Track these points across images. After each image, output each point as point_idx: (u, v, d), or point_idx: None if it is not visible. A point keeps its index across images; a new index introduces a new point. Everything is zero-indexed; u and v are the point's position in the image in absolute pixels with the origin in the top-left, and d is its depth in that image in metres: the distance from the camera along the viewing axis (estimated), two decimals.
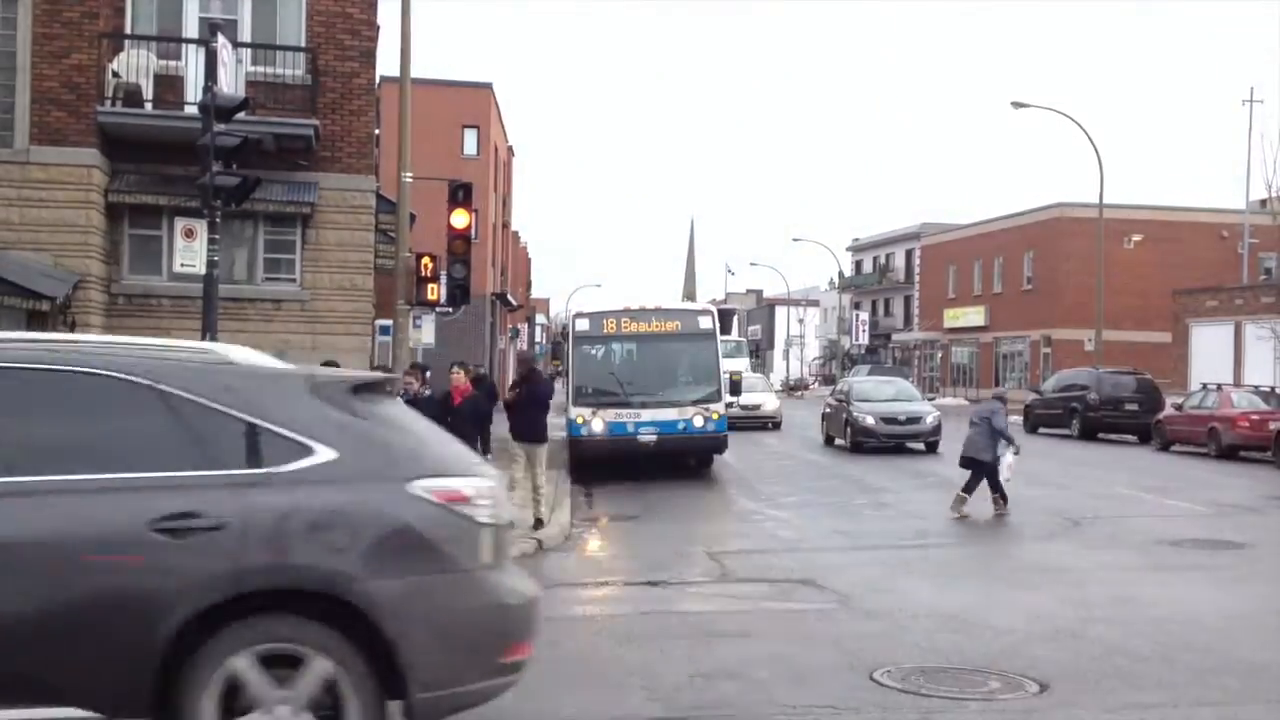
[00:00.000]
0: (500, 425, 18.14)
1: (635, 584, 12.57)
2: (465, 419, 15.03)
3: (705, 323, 23.46)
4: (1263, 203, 45.50)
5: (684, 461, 23.32)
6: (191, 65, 18.86)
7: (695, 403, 22.41)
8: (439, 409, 14.57)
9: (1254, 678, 8.57)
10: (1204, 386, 32.08)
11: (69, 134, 18.76)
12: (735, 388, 24.32)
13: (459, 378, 15.51)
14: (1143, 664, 8.82)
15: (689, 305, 29.97)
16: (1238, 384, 36.58)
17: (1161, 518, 17.58)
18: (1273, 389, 33.02)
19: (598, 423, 22.08)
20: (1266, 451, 26.29)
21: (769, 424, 37.09)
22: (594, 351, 23.71)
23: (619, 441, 22.07)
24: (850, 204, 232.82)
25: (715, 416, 22.49)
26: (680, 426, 22.13)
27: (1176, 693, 8.18)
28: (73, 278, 18.41)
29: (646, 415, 22.11)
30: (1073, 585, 12.19)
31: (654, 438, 21.97)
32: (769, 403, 38.18)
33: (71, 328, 18.45)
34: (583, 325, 23.34)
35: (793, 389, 77.43)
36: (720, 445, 22.99)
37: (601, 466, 22.01)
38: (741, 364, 42.95)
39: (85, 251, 18.77)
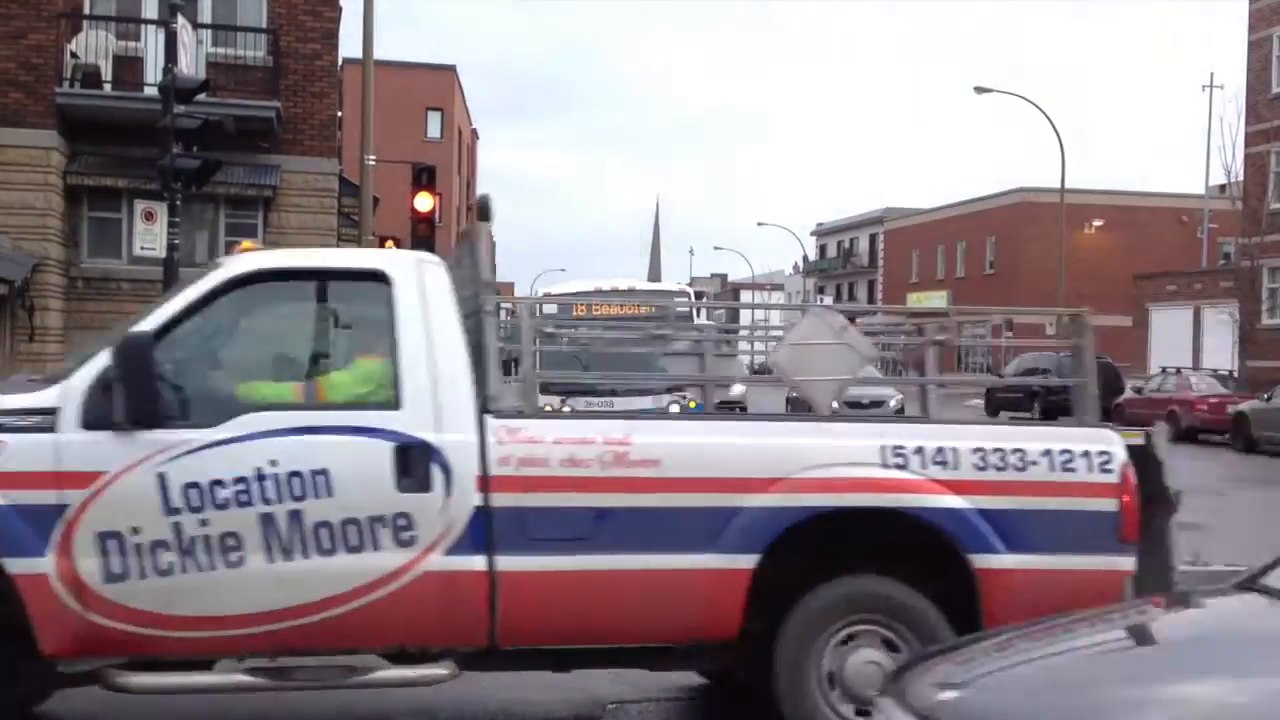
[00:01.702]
0: None
1: None
2: None
3: (682, 305, 22.39)
4: (1222, 188, 45.99)
5: None
6: (151, 46, 18.67)
7: (671, 390, 21.82)
8: None
9: None
10: (1163, 370, 32.45)
11: (27, 115, 18.53)
12: None
13: None
14: None
15: (665, 286, 28.74)
16: (1197, 368, 37.02)
17: None
18: (1231, 373, 33.46)
19: (566, 412, 21.36)
20: (1225, 434, 26.60)
21: (735, 409, 36.64)
22: (562, 335, 22.95)
23: None
24: (814, 188, 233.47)
25: (692, 405, 21.76)
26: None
27: None
28: (31, 261, 18.20)
29: (619, 404, 21.46)
30: None
31: None
32: (735, 387, 37.67)
33: (30, 311, 18.26)
34: (550, 308, 22.60)
35: (757, 373, 77.59)
36: None
37: None
38: None
39: (44, 234, 18.56)
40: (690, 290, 24.26)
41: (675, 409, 21.96)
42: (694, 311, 22.75)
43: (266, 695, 6.62)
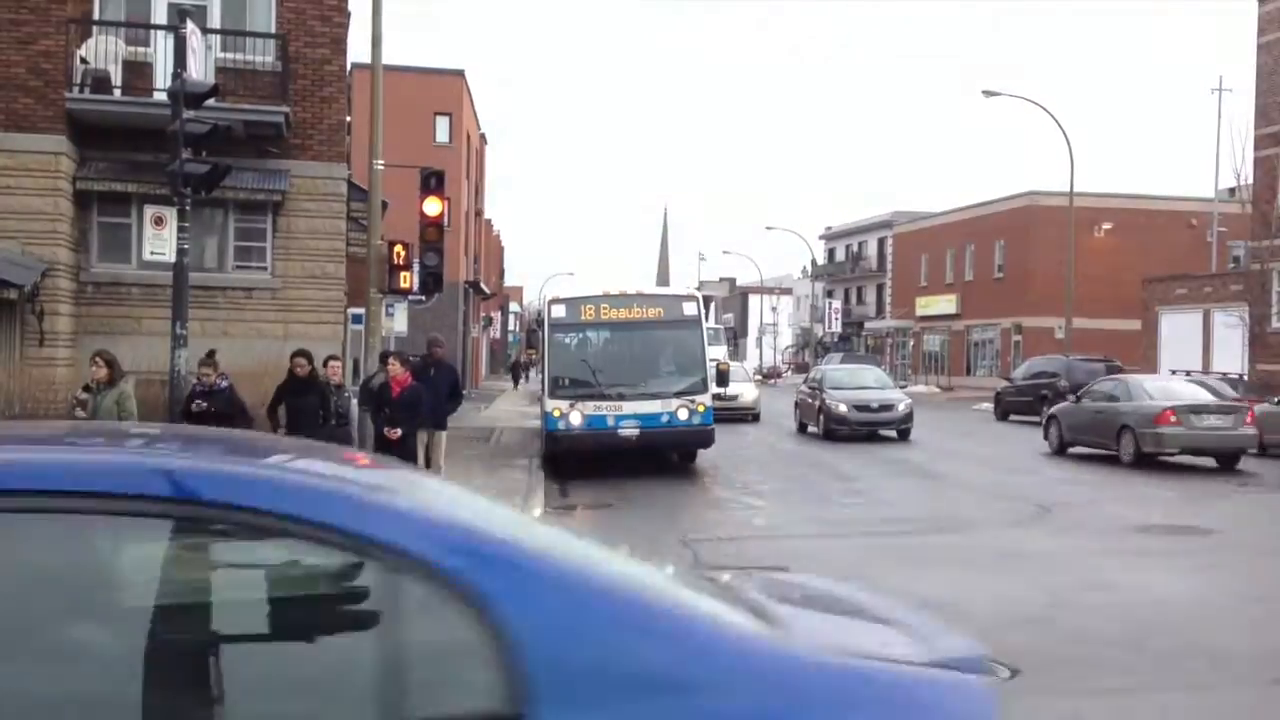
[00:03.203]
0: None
1: None
2: (402, 411, 14.40)
3: (690, 308, 22.40)
4: (1231, 191, 45.90)
5: (666, 455, 22.54)
6: (160, 52, 18.73)
7: (679, 394, 21.42)
8: (227, 400, 13.88)
9: (1220, 661, 8.66)
10: (1173, 374, 32.33)
11: (37, 120, 18.59)
12: (722, 378, 23.06)
13: (395, 368, 14.91)
14: (1111, 648, 8.90)
15: (672, 290, 28.62)
16: (1206, 371, 36.92)
17: (1130, 504, 17.72)
18: (1240, 376, 33.34)
19: (575, 416, 21.05)
20: None
21: (748, 416, 35.56)
22: (570, 340, 22.42)
23: (598, 436, 21.06)
24: (823, 192, 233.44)
25: (701, 409, 21.39)
26: (664, 419, 21.17)
27: (1144, 677, 8.25)
28: (41, 266, 18.26)
29: (627, 408, 21.12)
30: (1043, 571, 12.27)
31: (636, 432, 21.00)
32: (748, 393, 36.32)
33: (40, 316, 18.31)
34: (558, 312, 22.12)
35: (766, 377, 77.61)
36: (707, 439, 21.93)
37: (576, 456, 21.61)
38: (719, 352, 42.60)
39: (53, 239, 18.62)
40: (699, 294, 24.19)
41: (684, 413, 22.01)
42: (702, 315, 22.68)
43: None
